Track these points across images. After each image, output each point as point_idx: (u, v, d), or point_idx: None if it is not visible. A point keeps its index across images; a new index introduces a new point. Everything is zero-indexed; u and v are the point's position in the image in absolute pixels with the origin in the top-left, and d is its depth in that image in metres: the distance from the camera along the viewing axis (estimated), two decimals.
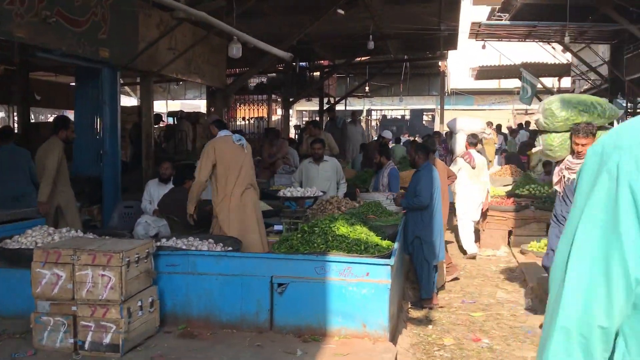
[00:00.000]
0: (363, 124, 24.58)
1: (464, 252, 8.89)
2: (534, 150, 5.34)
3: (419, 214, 6.24)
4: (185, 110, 15.69)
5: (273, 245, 4.67)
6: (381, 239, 4.87)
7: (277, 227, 6.01)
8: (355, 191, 7.94)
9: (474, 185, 8.70)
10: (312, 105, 26.17)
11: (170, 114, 13.77)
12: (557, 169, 5.25)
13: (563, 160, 5.15)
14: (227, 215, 5.35)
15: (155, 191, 7.12)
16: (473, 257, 8.73)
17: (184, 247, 4.91)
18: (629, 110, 16.95)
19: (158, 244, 4.93)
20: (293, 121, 29.49)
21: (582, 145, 4.82)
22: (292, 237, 4.58)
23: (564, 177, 5.09)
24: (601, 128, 5.09)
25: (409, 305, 6.31)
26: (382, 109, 35.54)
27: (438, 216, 6.31)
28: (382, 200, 7.07)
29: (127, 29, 8.36)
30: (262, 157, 11.74)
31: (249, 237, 5.41)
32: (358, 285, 4.22)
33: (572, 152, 5.04)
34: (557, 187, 5.24)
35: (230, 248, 5.01)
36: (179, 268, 4.54)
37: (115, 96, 8.32)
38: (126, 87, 20.23)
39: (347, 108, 27.92)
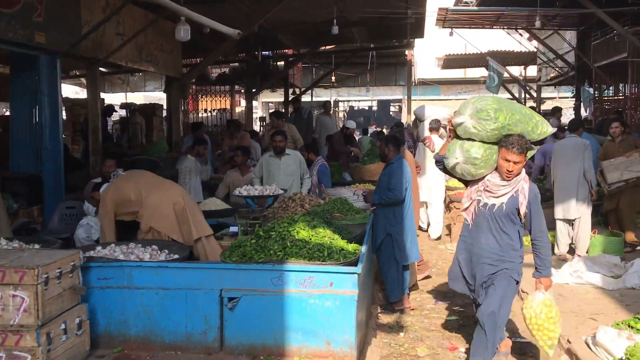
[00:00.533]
0: None
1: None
2: (452, 162, 3.98)
3: (390, 210, 5.75)
4: (152, 103, 14.94)
5: (224, 253, 4.07)
6: (347, 241, 4.33)
7: (233, 229, 5.41)
8: (320, 186, 7.39)
9: (430, 168, 8.63)
10: (278, 97, 25.55)
11: (123, 106, 12.96)
12: (469, 190, 4.01)
13: (479, 180, 3.94)
14: (161, 216, 4.73)
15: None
16: (438, 238, 8.94)
17: (121, 256, 4.29)
18: (596, 97, 16.81)
19: (91, 253, 4.29)
20: (259, 113, 28.80)
21: (515, 163, 3.72)
22: (245, 243, 4.00)
23: (479, 203, 3.91)
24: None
25: (379, 310, 5.81)
26: (349, 100, 35.16)
27: (410, 213, 5.82)
28: (349, 197, 6.55)
29: (67, 12, 7.61)
30: (223, 150, 11.11)
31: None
32: (320, 297, 3.68)
33: (496, 170, 3.87)
34: (465, 215, 4.03)
35: (176, 256, 4.41)
36: (113, 282, 3.93)
37: (55, 86, 7.55)
38: (82, 79, 19.28)
39: (314, 99, 27.42)
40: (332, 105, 27.90)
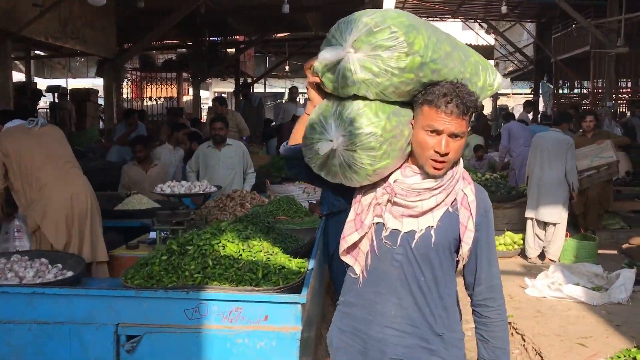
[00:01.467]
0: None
1: None
2: (323, 150, 1.77)
3: (344, 212, 4.86)
4: (85, 88, 13.64)
5: (126, 273, 3.09)
6: (291, 255, 3.42)
7: (152, 236, 4.41)
8: (265, 182, 6.46)
9: None
10: (231, 86, 24.52)
11: (50, 89, 11.67)
12: (357, 208, 1.96)
13: (378, 185, 1.88)
14: (54, 219, 3.73)
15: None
16: None
17: None
18: (555, 92, 16.49)
19: None
20: (210, 103, 27.60)
21: (452, 137, 1.74)
22: (154, 261, 3.03)
23: (379, 232, 1.89)
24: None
25: None
26: (304, 92, 34.35)
27: None
28: (298, 195, 5.65)
29: None
30: (161, 140, 10.05)
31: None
32: (251, 336, 2.76)
33: (411, 160, 1.85)
34: (350, 261, 1.96)
35: (69, 273, 3.41)
36: None
37: None
38: (16, 62, 17.78)
39: (267, 90, 26.34)
40: (285, 97, 26.94)
